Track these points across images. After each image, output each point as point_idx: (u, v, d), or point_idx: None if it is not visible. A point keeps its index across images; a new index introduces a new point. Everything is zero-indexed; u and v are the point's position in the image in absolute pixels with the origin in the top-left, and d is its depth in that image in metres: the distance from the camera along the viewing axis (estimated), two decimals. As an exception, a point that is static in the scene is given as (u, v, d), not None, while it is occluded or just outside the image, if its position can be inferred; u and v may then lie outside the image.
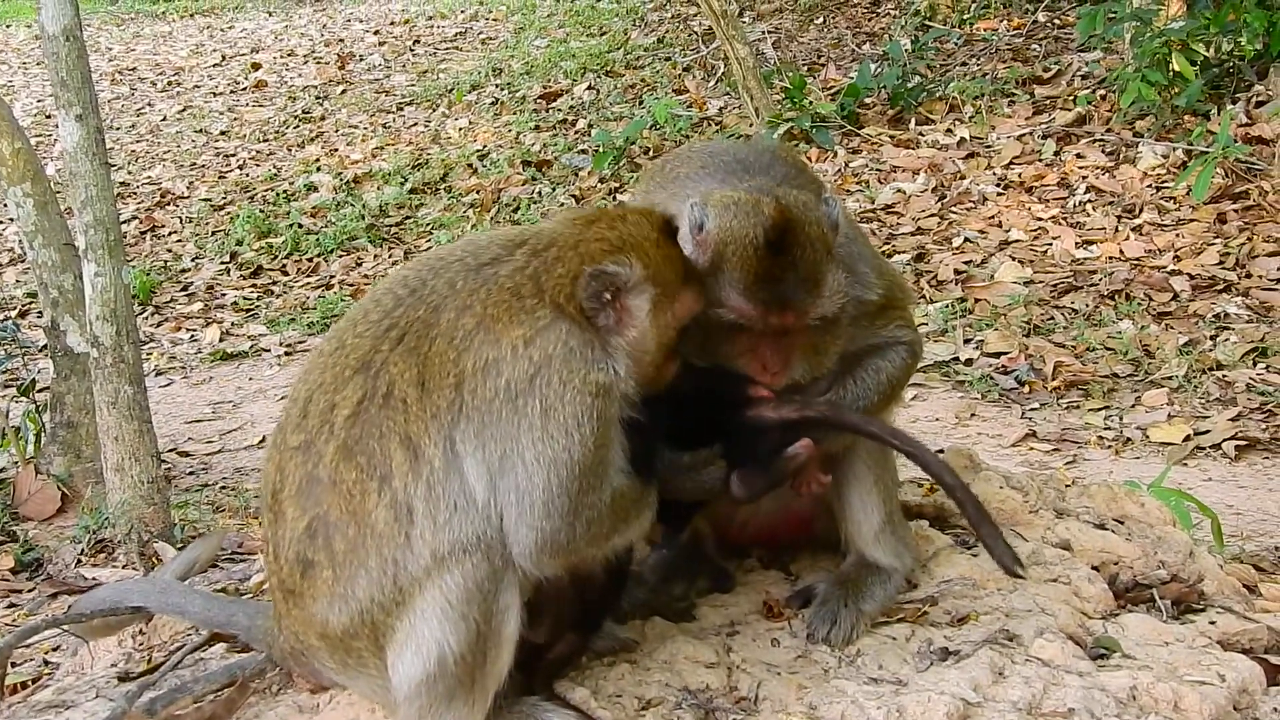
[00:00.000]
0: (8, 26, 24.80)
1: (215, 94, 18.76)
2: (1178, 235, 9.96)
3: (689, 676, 3.37)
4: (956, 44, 14.42)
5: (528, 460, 2.98)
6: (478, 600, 2.98)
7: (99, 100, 7.19)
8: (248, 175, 15.17)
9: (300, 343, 10.93)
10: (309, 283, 12.39)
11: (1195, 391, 8.05)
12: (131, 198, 14.92)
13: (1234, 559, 5.09)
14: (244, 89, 18.79)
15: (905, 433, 3.52)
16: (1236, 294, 9.13)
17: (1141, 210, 10.39)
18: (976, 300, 9.58)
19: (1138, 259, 9.78)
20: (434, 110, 16.26)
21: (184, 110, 18.16)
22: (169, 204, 14.76)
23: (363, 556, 3.00)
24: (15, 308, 12.35)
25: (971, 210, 11.00)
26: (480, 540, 2.98)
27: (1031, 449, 7.61)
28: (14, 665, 4.79)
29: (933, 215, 11.02)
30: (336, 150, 15.42)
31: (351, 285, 11.99)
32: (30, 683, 4.50)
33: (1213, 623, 3.85)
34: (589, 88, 15.68)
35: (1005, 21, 14.78)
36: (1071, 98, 12.29)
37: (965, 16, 14.98)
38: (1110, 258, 9.87)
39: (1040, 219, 10.61)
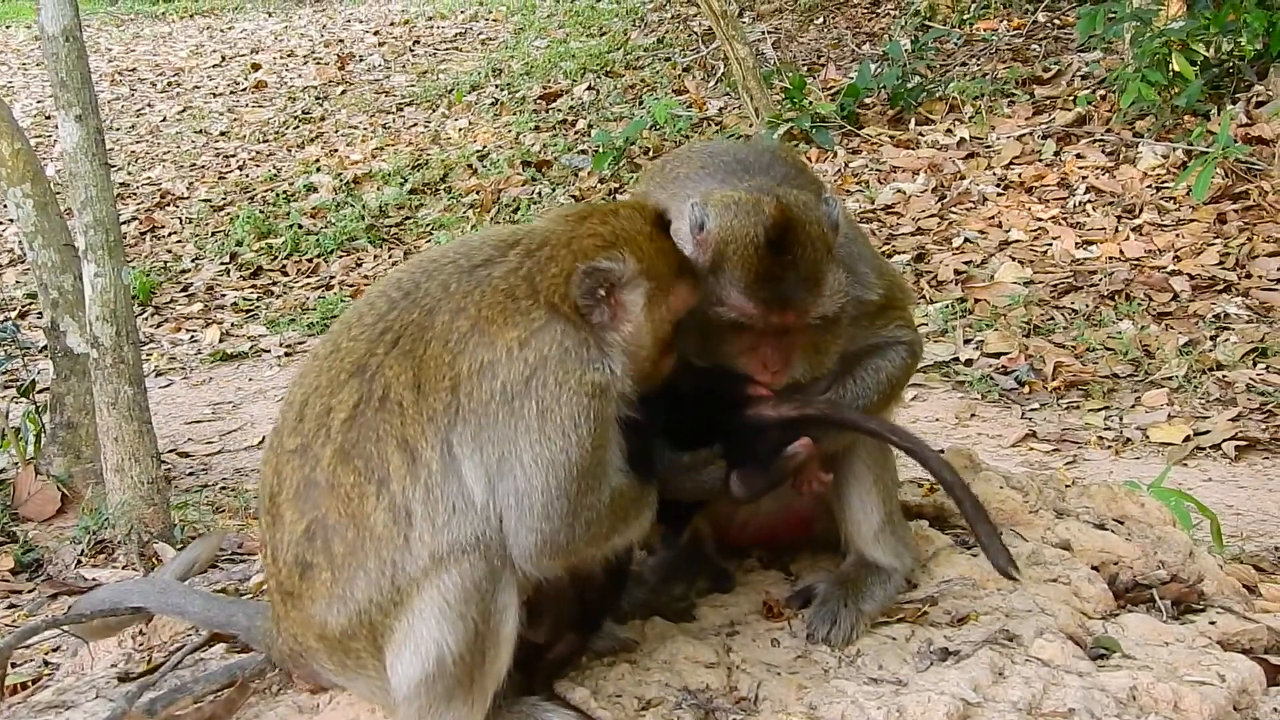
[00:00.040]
0: (7, 27, 24.80)
1: (215, 95, 18.76)
2: (1178, 235, 9.96)
3: (689, 676, 3.37)
4: (956, 44, 14.42)
5: (526, 462, 2.98)
6: (476, 600, 2.98)
7: (99, 101, 7.19)
8: (247, 176, 15.17)
9: (300, 343, 10.93)
10: (309, 283, 12.39)
11: (1195, 392, 8.05)
12: (131, 198, 14.92)
13: (1234, 559, 5.09)
14: (244, 90, 18.79)
15: (904, 429, 3.52)
16: (1236, 294, 9.13)
17: (1141, 210, 10.39)
18: (976, 300, 9.58)
19: (1138, 259, 9.78)
20: (434, 111, 16.26)
21: (184, 111, 18.16)
22: (169, 205, 14.76)
23: (361, 558, 3.00)
24: (15, 308, 12.36)
25: (971, 210, 11.00)
26: (479, 541, 2.98)
27: (1031, 449, 7.61)
28: (14, 666, 4.79)
29: (933, 215, 11.02)
30: (336, 151, 15.42)
31: (351, 286, 11.99)
32: (30, 683, 4.50)
33: (1213, 623, 3.85)
34: (589, 88, 15.68)
35: (1005, 21, 14.78)
36: (1071, 98, 12.29)
37: (965, 16, 14.99)
38: (1110, 258, 9.87)
39: (1040, 219, 10.61)
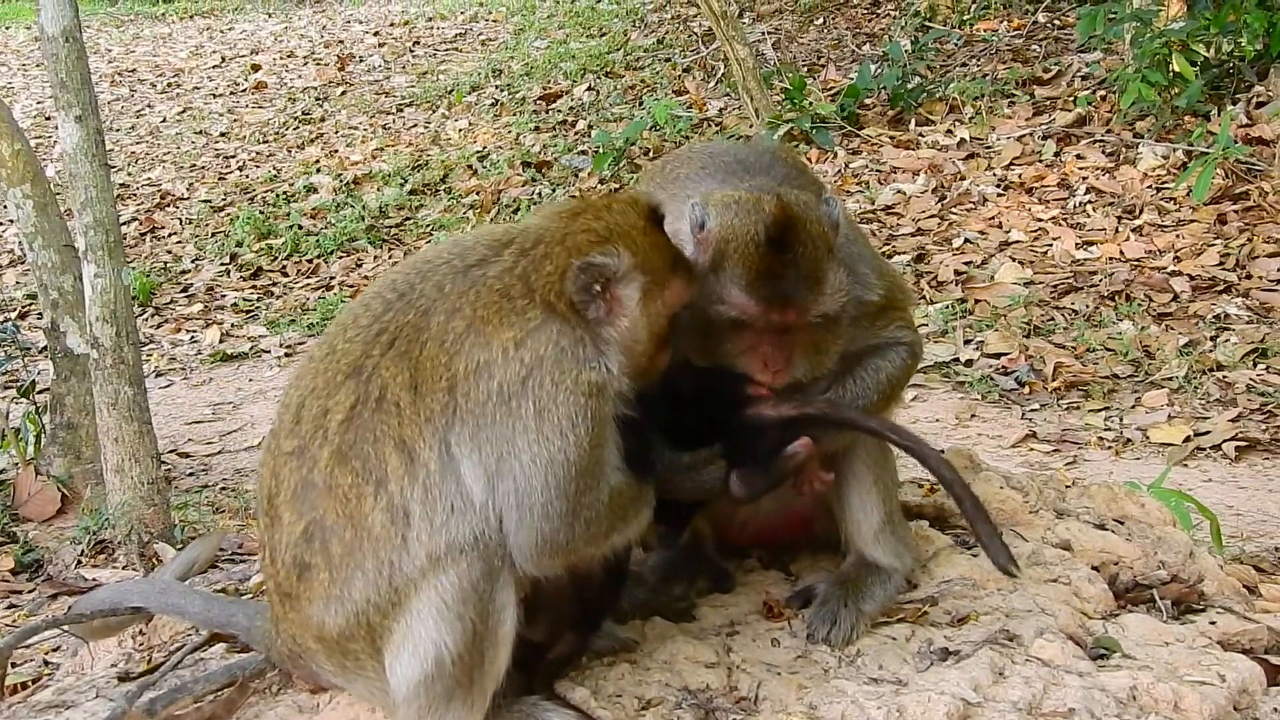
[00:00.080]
0: (7, 28, 24.81)
1: (215, 95, 18.77)
2: (1178, 236, 9.96)
3: (689, 676, 3.37)
4: (956, 45, 14.42)
5: (525, 462, 2.98)
6: (474, 600, 2.98)
7: (99, 102, 7.19)
8: (247, 177, 15.17)
9: (300, 344, 10.93)
10: (309, 284, 12.39)
11: (1195, 392, 8.05)
12: (131, 199, 14.92)
13: (1234, 559, 5.09)
14: (244, 90, 18.80)
15: (904, 428, 3.52)
16: (1237, 295, 9.13)
17: (1142, 211, 10.40)
18: (977, 301, 9.58)
19: (1138, 260, 9.78)
20: (434, 111, 16.27)
21: (184, 112, 18.16)
22: (169, 205, 14.76)
23: (359, 559, 3.00)
24: (15, 309, 12.36)
25: (971, 211, 11.00)
26: (478, 540, 2.98)
27: (1032, 450, 7.61)
28: (14, 666, 4.79)
29: (933, 216, 11.03)
30: (336, 151, 15.42)
31: (351, 286, 11.99)
32: (30, 683, 4.50)
33: (1213, 623, 3.84)
34: (589, 89, 15.68)
35: (1005, 22, 14.78)
36: (1072, 98, 12.29)
37: (965, 17, 14.99)
38: (1110, 258, 9.87)
39: (1040, 220, 10.61)
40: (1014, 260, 10.06)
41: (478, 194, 13.43)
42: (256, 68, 19.68)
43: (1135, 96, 11.00)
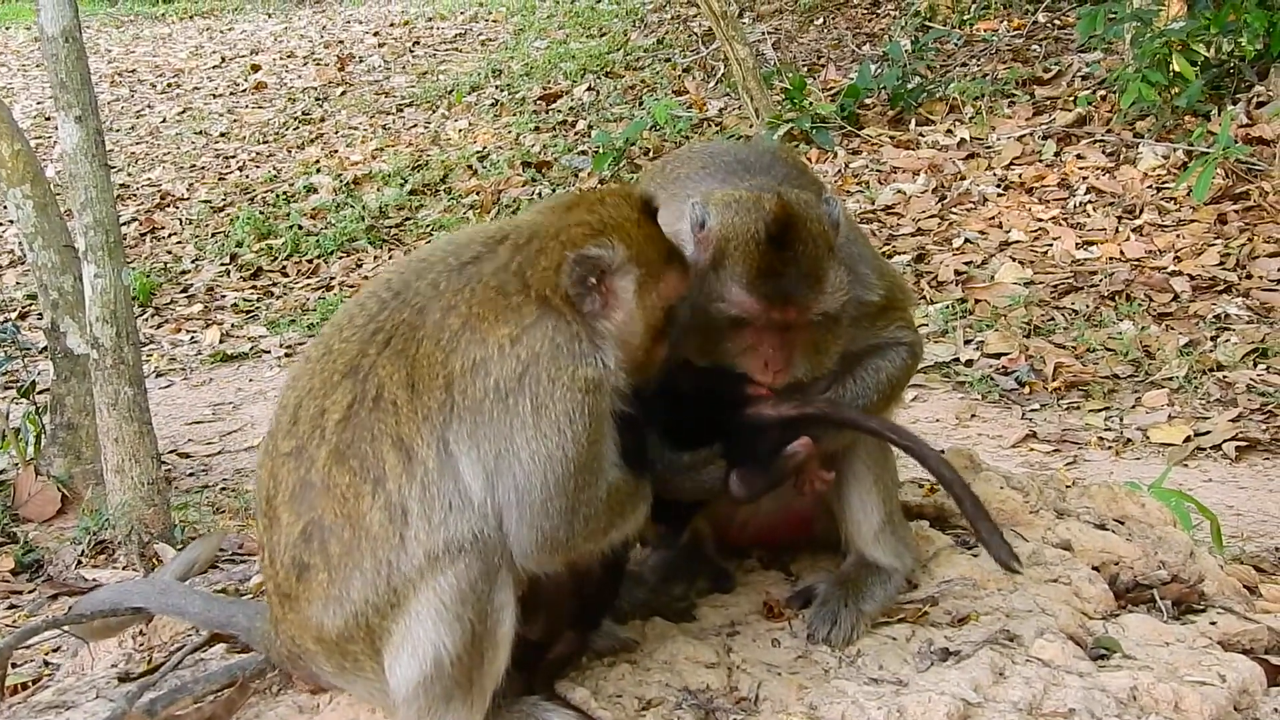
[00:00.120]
0: (7, 28, 24.81)
1: (215, 96, 18.77)
2: (1178, 236, 9.96)
3: (689, 677, 3.37)
4: (956, 45, 14.42)
5: (523, 459, 2.97)
6: (472, 601, 2.97)
7: (98, 102, 7.19)
8: (247, 177, 15.17)
9: (300, 344, 10.93)
10: (309, 284, 12.39)
11: (1196, 392, 8.05)
12: (131, 199, 14.93)
13: (1234, 560, 5.09)
14: (244, 91, 18.80)
15: (903, 428, 3.52)
16: (1237, 295, 9.13)
17: (1142, 211, 10.40)
18: (977, 301, 9.58)
19: (1138, 260, 9.78)
20: (434, 112, 16.27)
21: (184, 112, 18.16)
22: (169, 206, 14.76)
23: (358, 559, 3.00)
24: (15, 309, 12.36)
25: (972, 211, 11.00)
26: (477, 539, 2.98)
27: (1032, 450, 7.61)
28: (14, 666, 4.79)
29: (933, 216, 11.03)
30: (336, 152, 15.42)
31: (351, 286, 11.98)
32: (31, 683, 4.50)
33: (1213, 623, 3.84)
34: (589, 89, 15.68)
35: (1005, 22, 14.78)
36: (1072, 98, 12.29)
37: (965, 17, 14.99)
38: (1111, 258, 9.87)
39: (1040, 220, 10.61)
40: (1014, 260, 10.06)
41: (478, 194, 13.43)
42: (256, 68, 19.69)
43: (1135, 96, 11.00)
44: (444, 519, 2.97)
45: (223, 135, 16.85)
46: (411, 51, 19.50)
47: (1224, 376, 8.18)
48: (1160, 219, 10.26)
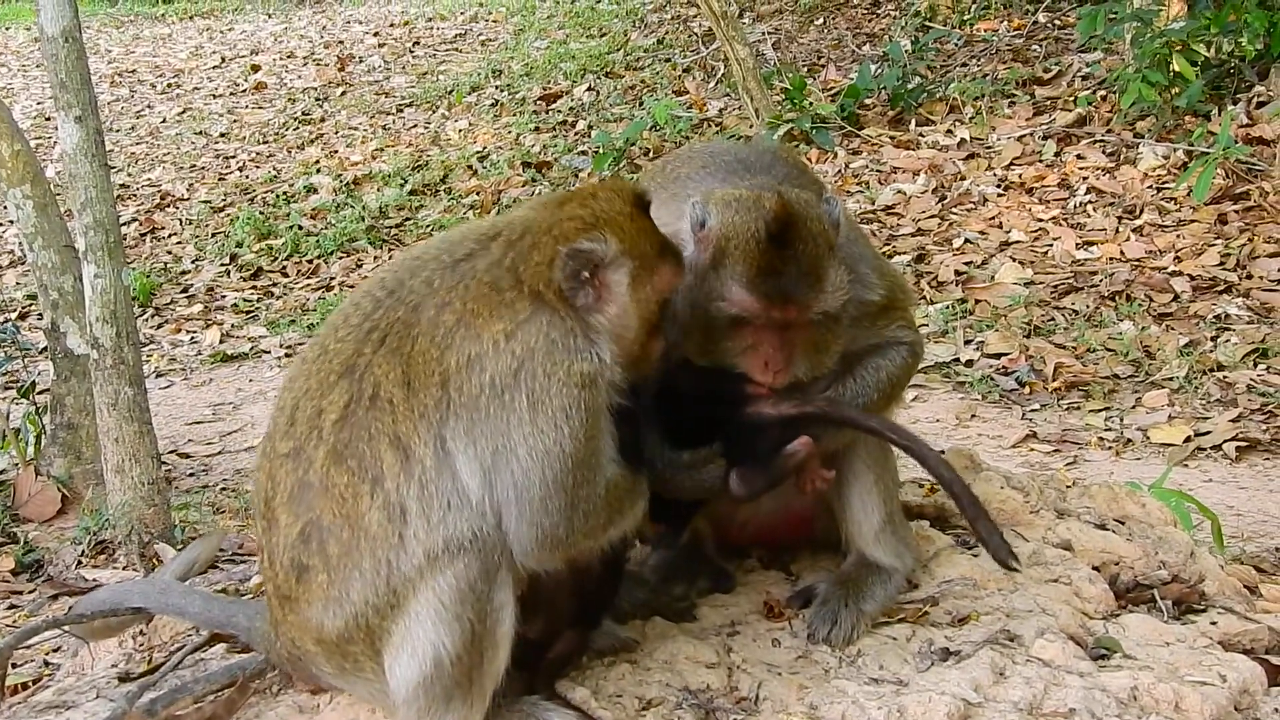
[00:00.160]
0: (7, 29, 24.81)
1: (215, 96, 18.76)
2: (1178, 236, 9.96)
3: (689, 676, 3.37)
4: (957, 45, 14.42)
5: (521, 456, 2.97)
6: (471, 600, 2.97)
7: (98, 102, 7.19)
8: (247, 177, 15.17)
9: (300, 344, 10.92)
10: (309, 284, 12.39)
11: (1196, 392, 8.05)
12: (131, 200, 14.93)
13: (1235, 560, 5.09)
14: (244, 91, 18.80)
15: (903, 427, 3.52)
16: (1237, 295, 9.13)
17: (1142, 211, 10.39)
18: (977, 301, 9.58)
19: (1138, 260, 9.78)
20: (434, 112, 16.27)
21: (183, 112, 18.16)
22: (169, 206, 14.76)
23: (357, 559, 2.99)
24: (15, 310, 12.36)
25: (972, 211, 11.00)
26: (476, 537, 2.97)
27: (1032, 450, 7.61)
28: (15, 666, 4.79)
29: (933, 216, 11.03)
30: (336, 152, 15.42)
31: (351, 287, 11.97)
32: (31, 683, 4.50)
33: (1214, 623, 3.84)
34: (589, 89, 15.68)
35: (1005, 22, 14.78)
36: (1072, 98, 12.29)
37: (965, 17, 14.98)
38: (1111, 259, 9.87)
39: (1041, 220, 10.61)
40: (1014, 260, 10.06)
41: (478, 194, 13.43)
42: (256, 68, 19.68)
43: (1136, 96, 10.99)
44: (443, 518, 2.97)
45: (223, 135, 16.85)
46: (411, 52, 19.50)
47: (1224, 377, 8.18)
48: (1160, 219, 10.26)
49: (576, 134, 14.50)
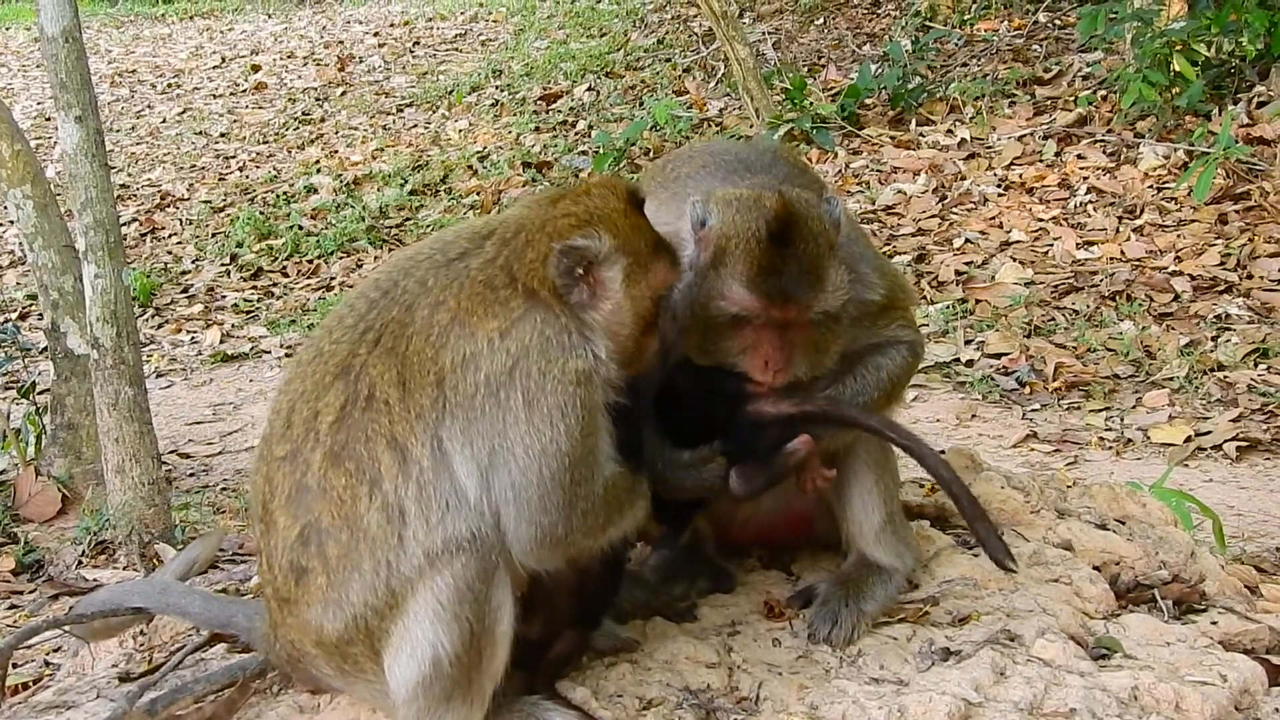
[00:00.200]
0: (7, 29, 24.81)
1: (215, 96, 18.76)
2: (1179, 236, 9.96)
3: (690, 676, 3.37)
4: (957, 45, 14.42)
5: (518, 455, 2.97)
6: (470, 600, 2.97)
7: (99, 102, 7.19)
8: (248, 177, 15.17)
9: (300, 344, 10.92)
10: (309, 284, 12.39)
11: (1196, 392, 8.05)
12: (131, 200, 14.93)
13: (1235, 560, 5.09)
14: (244, 91, 18.80)
15: (902, 426, 3.52)
16: (1238, 295, 9.13)
17: (1142, 211, 10.39)
18: (977, 301, 9.58)
19: (1139, 260, 9.78)
20: (434, 112, 16.27)
21: (184, 112, 18.16)
22: (169, 206, 14.76)
23: (356, 560, 2.99)
24: (16, 310, 12.36)
25: (972, 211, 11.00)
26: (475, 537, 2.97)
27: (1032, 450, 7.60)
28: (15, 666, 4.79)
29: (933, 216, 11.03)
30: (336, 152, 15.42)
31: (351, 287, 11.97)
32: (31, 683, 4.50)
33: (1214, 623, 3.84)
34: (589, 89, 15.68)
35: (1006, 22, 14.78)
36: (1072, 98, 12.29)
37: (966, 17, 14.98)
38: (1111, 258, 9.87)
39: (1041, 220, 10.61)
40: (1015, 260, 10.06)
41: (478, 194, 13.43)
42: (256, 68, 19.68)
43: (1136, 96, 10.99)
44: (441, 518, 2.96)
45: (223, 135, 16.85)
46: (411, 52, 19.50)
47: (1225, 376, 8.18)
48: (1161, 219, 10.26)
49: (577, 134, 14.50)
